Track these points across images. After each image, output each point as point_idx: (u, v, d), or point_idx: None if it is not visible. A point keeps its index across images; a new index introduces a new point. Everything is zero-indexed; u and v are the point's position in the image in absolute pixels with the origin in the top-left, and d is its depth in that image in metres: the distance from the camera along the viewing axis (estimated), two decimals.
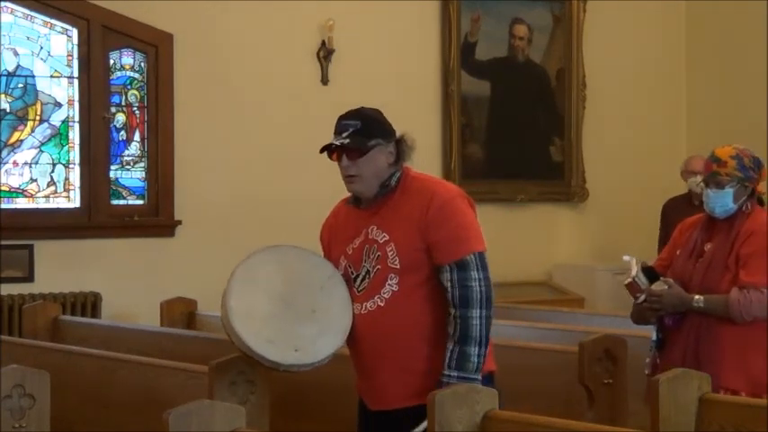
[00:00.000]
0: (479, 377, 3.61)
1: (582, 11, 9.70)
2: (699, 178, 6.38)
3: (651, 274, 4.37)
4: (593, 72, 9.74)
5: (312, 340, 3.71)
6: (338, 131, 3.77)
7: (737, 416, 3.50)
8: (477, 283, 3.64)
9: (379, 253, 3.71)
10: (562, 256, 9.62)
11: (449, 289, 3.64)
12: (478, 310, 3.63)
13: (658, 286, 4.32)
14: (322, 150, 3.79)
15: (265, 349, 3.65)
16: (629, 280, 4.37)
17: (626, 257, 4.44)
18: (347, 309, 3.76)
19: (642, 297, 4.34)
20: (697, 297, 4.27)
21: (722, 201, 4.32)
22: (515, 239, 9.39)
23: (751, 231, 4.28)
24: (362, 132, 3.74)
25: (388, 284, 3.69)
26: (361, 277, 3.76)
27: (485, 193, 9.19)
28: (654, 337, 4.39)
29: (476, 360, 3.61)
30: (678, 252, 4.45)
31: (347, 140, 3.73)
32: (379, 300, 3.71)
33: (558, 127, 9.70)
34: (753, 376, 4.21)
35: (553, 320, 6.41)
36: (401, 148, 3.79)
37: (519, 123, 9.51)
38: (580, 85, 9.71)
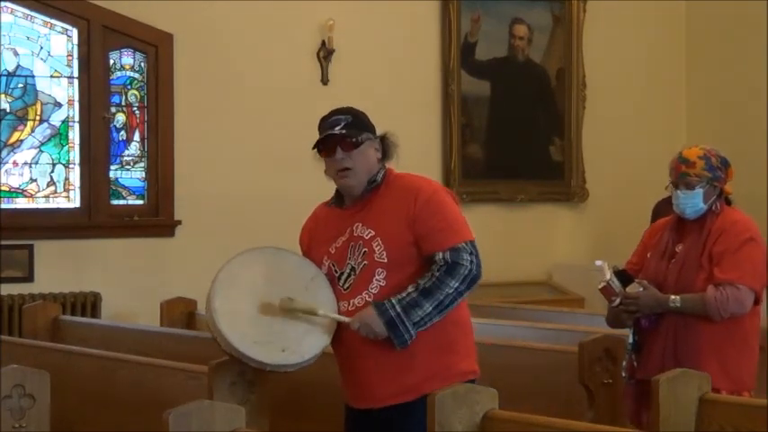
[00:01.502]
0: (413, 335, 3.60)
1: (582, 11, 9.70)
2: None
3: (624, 277, 4.39)
4: (593, 72, 9.74)
5: (298, 340, 3.71)
6: (329, 126, 3.78)
7: (737, 416, 3.50)
8: (470, 263, 3.67)
9: (365, 249, 3.72)
10: (562, 256, 9.61)
11: (440, 263, 3.65)
12: (458, 284, 3.64)
13: (633, 288, 4.33)
14: (317, 144, 3.79)
15: (252, 350, 3.66)
16: (603, 284, 4.38)
17: (598, 262, 4.47)
18: (332, 309, 3.75)
19: (618, 300, 4.35)
20: (673, 297, 4.28)
21: (692, 201, 4.34)
22: (515, 239, 9.39)
23: (722, 230, 4.31)
24: (355, 125, 3.77)
25: (376, 280, 3.69)
26: (345, 275, 3.75)
27: (485, 193, 9.20)
28: (630, 339, 4.40)
29: (423, 317, 3.61)
30: (649, 255, 4.47)
31: (344, 131, 3.75)
32: (366, 295, 3.70)
33: (558, 127, 9.70)
34: (732, 373, 4.23)
35: (553, 320, 6.41)
36: (386, 145, 3.82)
37: (519, 123, 9.51)
38: (580, 85, 9.71)
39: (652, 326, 4.33)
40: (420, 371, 3.66)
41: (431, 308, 3.61)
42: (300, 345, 3.71)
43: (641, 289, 4.31)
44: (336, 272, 3.78)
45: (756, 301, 4.30)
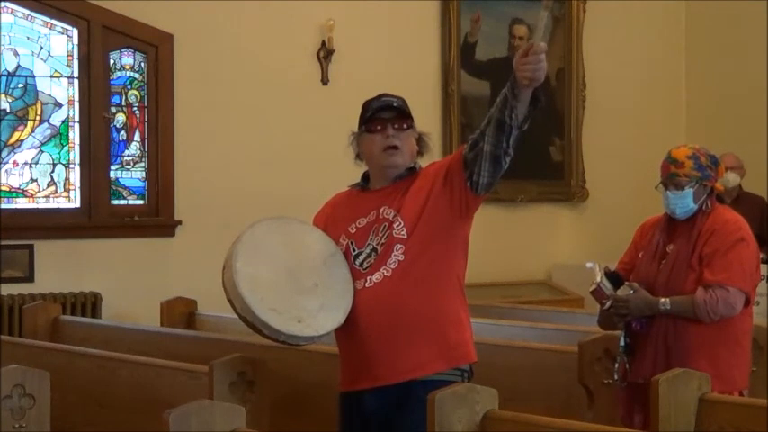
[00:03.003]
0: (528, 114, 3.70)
1: (582, 11, 9.70)
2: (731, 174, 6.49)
3: (615, 278, 4.38)
4: (593, 72, 9.75)
5: (314, 314, 3.66)
6: (385, 103, 3.83)
7: (737, 416, 3.50)
8: None
9: (388, 231, 3.72)
10: (562, 256, 9.62)
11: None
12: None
13: (623, 291, 4.32)
14: (369, 119, 3.81)
15: (269, 316, 3.59)
16: (594, 287, 4.37)
17: (589, 264, 4.46)
18: (348, 288, 3.72)
19: (608, 303, 4.34)
20: (663, 300, 4.27)
21: (682, 202, 4.33)
22: (515, 239, 9.39)
23: (713, 230, 4.29)
24: (406, 109, 3.84)
25: (394, 255, 3.69)
26: (365, 254, 3.74)
27: None
28: (621, 342, 4.39)
29: (526, 115, 3.73)
30: (641, 254, 4.46)
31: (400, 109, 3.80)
32: (385, 271, 3.69)
33: (558, 127, 9.70)
34: (724, 374, 4.21)
35: (553, 320, 6.41)
36: (421, 143, 3.86)
37: None
38: (580, 85, 9.72)
39: (643, 328, 4.32)
40: (441, 342, 3.67)
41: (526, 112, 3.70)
42: (316, 319, 3.66)
43: (631, 291, 4.30)
44: (354, 250, 3.77)
45: (747, 302, 4.30)
